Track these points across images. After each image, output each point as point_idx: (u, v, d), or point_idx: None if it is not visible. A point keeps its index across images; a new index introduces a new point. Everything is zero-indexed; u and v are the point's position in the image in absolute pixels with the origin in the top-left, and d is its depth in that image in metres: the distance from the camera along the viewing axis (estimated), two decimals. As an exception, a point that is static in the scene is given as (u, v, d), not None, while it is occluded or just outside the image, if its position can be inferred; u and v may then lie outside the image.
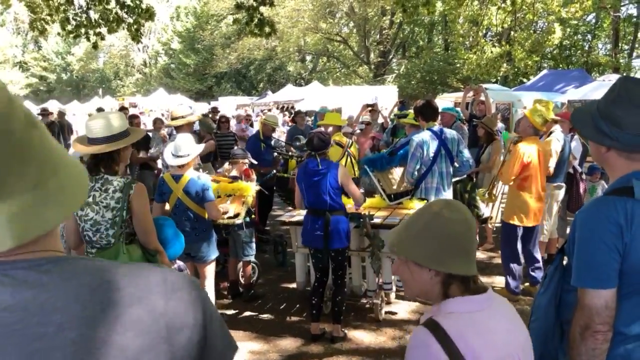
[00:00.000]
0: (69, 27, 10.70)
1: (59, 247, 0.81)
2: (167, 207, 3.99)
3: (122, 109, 11.34)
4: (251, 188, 4.76)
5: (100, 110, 16.81)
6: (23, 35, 55.82)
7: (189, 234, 3.91)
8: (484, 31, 21.21)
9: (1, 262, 0.73)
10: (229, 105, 28.81)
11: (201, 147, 4.12)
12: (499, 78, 21.96)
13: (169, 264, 2.81)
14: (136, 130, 2.77)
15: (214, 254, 4.10)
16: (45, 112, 10.43)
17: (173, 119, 5.61)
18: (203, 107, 31.44)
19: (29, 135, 0.74)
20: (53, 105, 37.98)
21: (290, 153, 7.51)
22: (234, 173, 5.01)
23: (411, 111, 11.46)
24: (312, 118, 9.33)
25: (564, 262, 1.83)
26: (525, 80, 22.78)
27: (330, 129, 6.11)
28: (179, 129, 5.43)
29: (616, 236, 1.58)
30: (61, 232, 2.74)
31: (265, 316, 4.73)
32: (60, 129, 10.73)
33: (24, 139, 0.73)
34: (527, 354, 1.38)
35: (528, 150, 4.71)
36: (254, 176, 5.28)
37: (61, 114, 11.08)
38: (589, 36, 27.53)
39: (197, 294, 0.85)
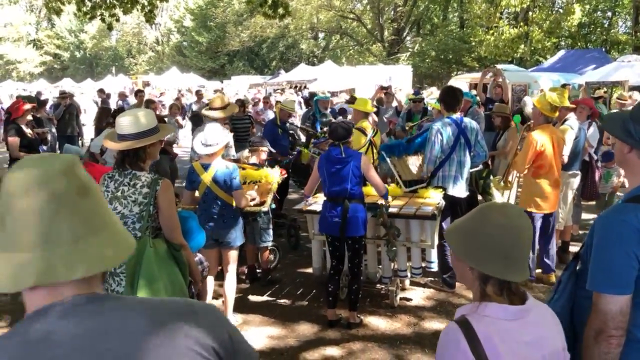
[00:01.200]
0: (85, 9, 10.74)
1: (101, 289, 1.02)
2: (197, 194, 4.09)
3: (138, 92, 11.39)
4: (275, 176, 4.85)
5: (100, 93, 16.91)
6: (36, 13, 55.85)
7: (217, 220, 4.03)
8: (502, 11, 20.82)
9: (65, 300, 0.93)
10: (242, 84, 28.77)
11: (229, 136, 4.18)
12: (515, 58, 21.63)
13: (192, 256, 2.89)
14: (165, 127, 2.83)
15: (240, 240, 4.20)
16: (64, 95, 10.52)
17: (213, 108, 5.55)
18: (216, 85, 31.51)
19: (80, 200, 0.95)
20: (67, 84, 38.23)
21: (307, 131, 7.59)
22: (254, 160, 5.08)
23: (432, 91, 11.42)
24: (313, 103, 9.18)
25: (577, 268, 1.86)
26: (542, 59, 22.44)
27: (357, 120, 6.15)
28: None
29: (635, 243, 1.61)
30: None
31: (282, 301, 4.84)
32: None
33: (75, 202, 0.94)
34: None
35: (541, 139, 4.71)
36: (285, 174, 5.33)
37: (70, 96, 11.18)
38: (609, 13, 26.91)
39: (219, 315, 1.07)
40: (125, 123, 2.61)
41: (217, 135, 3.95)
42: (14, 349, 0.90)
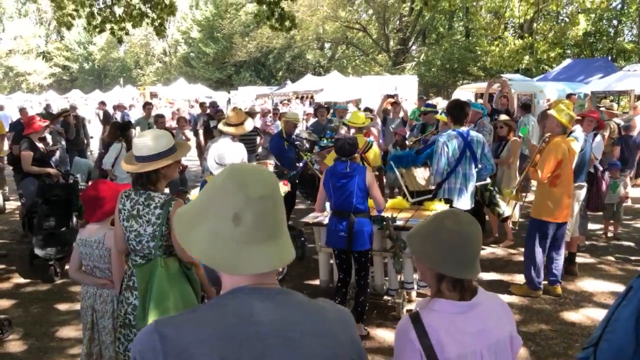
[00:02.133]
0: (95, 22, 10.92)
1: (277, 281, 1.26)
2: None
3: (147, 104, 11.52)
4: (282, 188, 4.89)
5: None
6: (46, 25, 56.59)
7: None
8: (506, 23, 20.91)
9: (266, 287, 1.18)
10: (248, 94, 28.96)
11: (244, 153, 4.20)
12: (520, 68, 21.68)
13: (204, 275, 2.94)
14: (183, 145, 2.88)
15: None
16: (67, 113, 10.48)
17: (230, 124, 5.47)
18: (223, 96, 31.76)
19: (280, 206, 1.22)
20: (76, 95, 38.67)
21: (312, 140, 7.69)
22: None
23: (438, 101, 11.36)
24: (331, 112, 9.49)
25: None
26: (548, 68, 22.46)
27: (352, 130, 6.20)
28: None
29: None
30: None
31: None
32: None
33: (280, 208, 1.21)
34: (495, 352, 1.62)
35: (561, 148, 4.77)
36: (288, 187, 5.33)
37: (73, 108, 11.30)
38: (615, 22, 26.93)
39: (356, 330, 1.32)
40: (141, 145, 2.68)
41: (232, 154, 3.98)
42: (224, 321, 1.13)
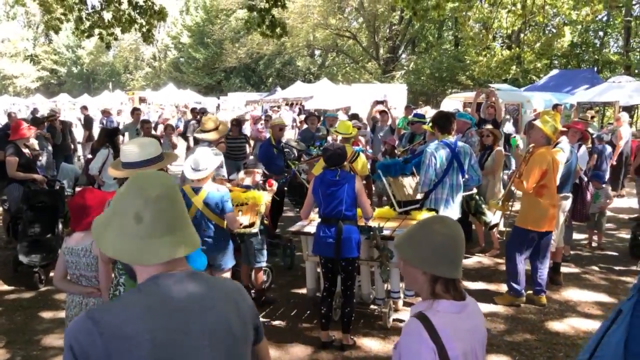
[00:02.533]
0: (83, 27, 10.87)
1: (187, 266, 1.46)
2: None
3: (135, 110, 11.46)
4: (263, 197, 4.89)
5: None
6: (34, 29, 56.17)
7: (208, 243, 4.07)
8: (494, 33, 21.17)
9: (177, 272, 1.39)
10: (238, 100, 28.96)
11: (219, 160, 4.24)
12: (508, 78, 21.94)
13: None
14: (169, 155, 2.91)
15: (231, 262, 4.25)
16: (53, 117, 10.42)
17: (205, 130, 5.65)
18: (212, 102, 31.71)
19: (179, 203, 1.44)
20: (64, 99, 38.36)
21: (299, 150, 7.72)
22: (248, 182, 5.15)
23: (427, 110, 11.38)
24: (321, 121, 9.55)
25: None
26: (535, 78, 22.73)
27: (339, 138, 6.22)
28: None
29: None
30: None
31: (276, 322, 4.87)
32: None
33: (178, 204, 1.43)
34: (482, 347, 1.81)
35: (546, 158, 4.83)
36: (274, 187, 5.37)
37: (57, 115, 11.20)
38: (600, 33, 27.34)
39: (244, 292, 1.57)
40: (129, 151, 2.71)
41: (207, 160, 4.01)
42: (147, 300, 1.32)
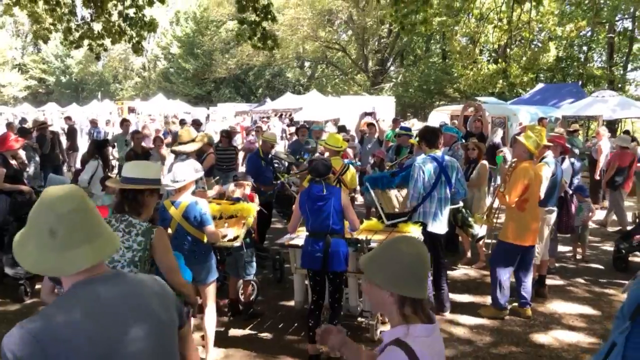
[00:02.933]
0: (72, 38, 10.85)
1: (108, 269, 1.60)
2: (170, 231, 4.12)
3: (124, 121, 11.45)
4: (252, 209, 4.91)
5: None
6: (22, 38, 55.88)
7: (189, 257, 4.05)
8: (481, 47, 21.50)
9: (100, 275, 1.51)
10: (228, 111, 28.96)
11: (199, 174, 4.25)
12: (495, 92, 22.25)
13: (196, 300, 3.02)
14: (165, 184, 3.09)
15: (213, 275, 4.23)
16: (44, 125, 10.44)
17: (182, 143, 5.72)
18: (202, 112, 31.68)
19: (93, 213, 1.54)
20: (52, 108, 38.09)
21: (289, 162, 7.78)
22: (237, 195, 5.17)
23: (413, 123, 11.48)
24: (307, 134, 9.62)
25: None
26: (521, 92, 23.05)
27: (326, 154, 6.26)
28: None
29: None
30: None
31: (264, 335, 4.88)
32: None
33: (90, 214, 1.52)
34: None
35: (529, 173, 4.92)
36: (256, 200, 5.42)
37: (48, 125, 11.18)
38: (585, 48, 27.84)
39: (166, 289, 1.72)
40: (132, 168, 2.84)
41: (185, 172, 4.03)
42: (78, 303, 1.42)
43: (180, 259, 3.21)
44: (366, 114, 10.35)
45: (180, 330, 1.74)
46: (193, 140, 5.81)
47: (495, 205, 5.78)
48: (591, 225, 8.90)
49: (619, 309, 2.01)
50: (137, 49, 11.11)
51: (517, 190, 4.90)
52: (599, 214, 9.23)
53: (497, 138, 10.05)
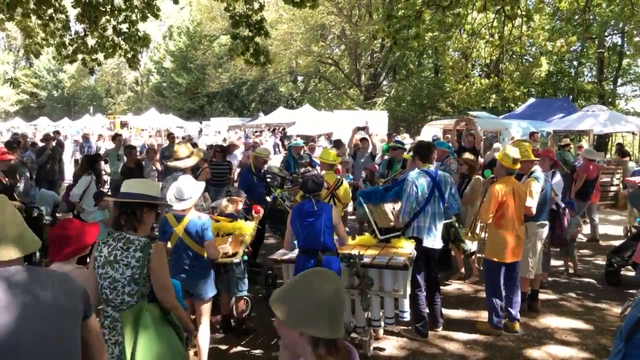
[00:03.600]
0: (66, 52, 10.86)
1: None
2: (169, 245, 4.11)
3: (116, 135, 11.44)
4: (250, 228, 4.90)
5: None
6: (15, 52, 55.82)
7: (189, 272, 4.05)
8: (473, 62, 21.75)
9: (12, 268, 1.75)
10: (221, 125, 29.00)
11: (202, 186, 4.25)
12: (487, 107, 22.46)
13: (184, 316, 2.96)
14: (165, 203, 3.19)
15: (211, 291, 4.21)
16: (47, 138, 10.57)
17: (179, 158, 5.73)
18: (194, 127, 31.70)
19: (15, 214, 1.87)
20: (43, 122, 37.99)
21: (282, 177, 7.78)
22: (230, 210, 5.16)
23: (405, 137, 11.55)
24: (287, 149, 9.64)
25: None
26: (513, 106, 23.27)
27: (322, 171, 6.27)
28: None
29: None
30: None
31: (256, 352, 4.84)
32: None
33: (9, 216, 1.83)
34: None
35: (503, 190, 4.96)
36: (261, 213, 5.37)
37: (53, 139, 11.21)
38: (575, 63, 28.21)
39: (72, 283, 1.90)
40: (133, 183, 2.88)
41: (191, 189, 4.02)
42: None
43: (177, 285, 3.20)
44: (359, 128, 10.40)
45: (85, 320, 1.89)
46: (190, 156, 5.82)
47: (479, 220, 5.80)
48: (582, 239, 8.97)
49: (616, 327, 2.03)
50: (133, 63, 11.14)
51: (490, 207, 4.96)
52: (586, 229, 9.30)
53: (496, 153, 10.12)
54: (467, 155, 7.10)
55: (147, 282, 2.74)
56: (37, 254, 5.88)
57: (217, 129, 27.54)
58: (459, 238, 6.40)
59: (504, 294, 5.19)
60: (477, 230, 5.84)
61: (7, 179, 6.33)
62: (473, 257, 6.69)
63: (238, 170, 10.47)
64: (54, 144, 10.48)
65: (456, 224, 6.44)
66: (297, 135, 18.32)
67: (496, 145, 11.11)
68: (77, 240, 3.03)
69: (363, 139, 10.29)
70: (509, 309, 5.23)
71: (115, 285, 2.68)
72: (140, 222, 2.84)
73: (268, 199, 7.08)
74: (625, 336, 1.91)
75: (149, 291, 2.78)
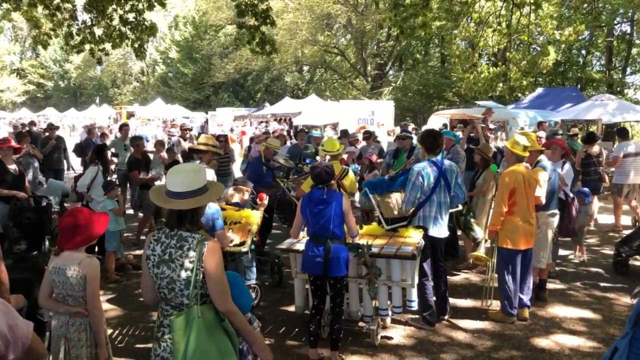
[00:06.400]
0: (73, 42, 10.86)
1: None
2: None
3: (123, 125, 11.45)
4: (257, 216, 4.91)
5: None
6: (21, 42, 55.91)
7: None
8: (480, 51, 21.59)
9: None
10: (226, 116, 28.99)
11: (212, 174, 4.26)
12: (494, 95, 22.30)
13: (243, 322, 2.57)
14: (215, 186, 2.67)
15: None
16: (51, 127, 10.66)
17: (202, 143, 5.96)
18: (200, 117, 31.70)
19: None
20: (50, 113, 38.13)
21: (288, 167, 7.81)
22: (236, 199, 5.17)
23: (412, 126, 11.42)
24: (306, 139, 9.72)
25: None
26: (521, 95, 23.10)
27: (327, 157, 6.27)
28: (201, 152, 5.79)
29: None
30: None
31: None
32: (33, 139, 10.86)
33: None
34: None
35: (512, 177, 4.97)
36: (265, 201, 5.38)
37: (32, 124, 11.29)
38: (584, 52, 27.94)
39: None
40: (179, 180, 2.50)
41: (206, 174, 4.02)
42: None
43: (237, 278, 2.89)
44: (363, 128, 10.50)
45: None
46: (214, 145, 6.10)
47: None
48: (593, 228, 8.94)
49: (625, 316, 2.03)
50: (140, 53, 11.12)
51: (504, 199, 4.98)
52: (601, 219, 9.25)
53: (498, 142, 10.10)
54: (483, 145, 7.07)
55: (203, 284, 2.47)
56: (47, 242, 5.93)
57: (223, 120, 27.52)
58: (469, 227, 6.37)
59: (516, 283, 5.19)
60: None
61: (16, 169, 6.35)
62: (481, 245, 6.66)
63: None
64: (56, 134, 10.50)
65: (465, 213, 6.41)
66: (304, 125, 18.29)
67: (499, 135, 11.12)
68: (87, 229, 3.04)
69: (367, 138, 10.31)
70: (520, 295, 5.23)
71: (172, 286, 2.46)
72: (198, 220, 2.57)
73: (282, 184, 7.10)
74: (633, 320, 1.91)
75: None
